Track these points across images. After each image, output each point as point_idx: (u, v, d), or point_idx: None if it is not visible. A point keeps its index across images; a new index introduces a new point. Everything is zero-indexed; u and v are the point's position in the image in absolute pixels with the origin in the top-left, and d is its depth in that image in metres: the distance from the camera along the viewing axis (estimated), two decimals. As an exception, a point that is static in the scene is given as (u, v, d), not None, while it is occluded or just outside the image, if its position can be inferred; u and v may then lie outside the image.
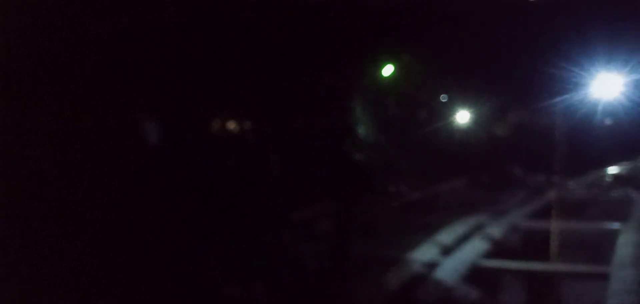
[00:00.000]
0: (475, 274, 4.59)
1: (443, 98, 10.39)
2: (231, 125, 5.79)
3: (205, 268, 4.40)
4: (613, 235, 5.30)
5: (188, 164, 5.05)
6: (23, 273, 3.53)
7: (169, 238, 4.43)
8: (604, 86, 5.25)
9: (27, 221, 3.71)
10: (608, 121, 6.11)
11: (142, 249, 4.18)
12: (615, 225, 5.65)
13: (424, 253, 5.16)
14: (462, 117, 9.61)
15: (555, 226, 5.23)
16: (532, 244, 5.49)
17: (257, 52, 4.87)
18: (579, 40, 5.10)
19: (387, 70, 5.60)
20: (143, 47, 4.51)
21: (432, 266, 4.71)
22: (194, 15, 4.65)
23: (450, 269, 4.55)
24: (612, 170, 8.18)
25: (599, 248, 5.01)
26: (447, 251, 5.16)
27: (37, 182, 3.88)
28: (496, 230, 5.98)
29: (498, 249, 5.33)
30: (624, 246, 4.83)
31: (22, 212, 3.70)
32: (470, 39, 5.73)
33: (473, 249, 5.25)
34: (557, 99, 5.41)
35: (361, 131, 5.20)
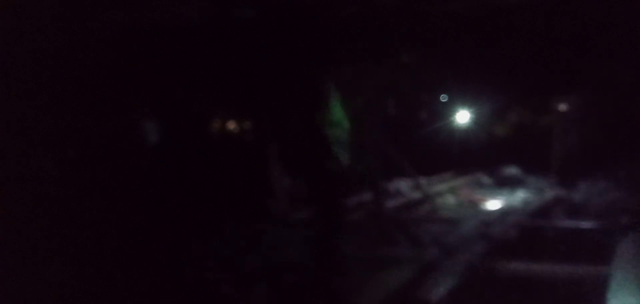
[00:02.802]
0: (475, 274, 4.58)
1: (443, 97, 10.44)
2: (231, 125, 5.81)
3: (204, 267, 4.40)
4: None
5: (187, 164, 5.06)
6: (22, 273, 3.53)
7: (168, 238, 4.44)
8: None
9: (25, 221, 3.72)
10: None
11: (141, 249, 4.18)
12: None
13: (423, 252, 5.16)
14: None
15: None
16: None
17: (257, 52, 4.87)
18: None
19: (387, 68, 5.62)
20: (143, 47, 4.52)
21: (431, 265, 4.71)
22: (193, 15, 4.65)
23: (449, 269, 4.55)
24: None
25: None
26: (446, 250, 5.17)
27: (36, 183, 3.88)
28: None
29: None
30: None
31: (21, 213, 3.70)
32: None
33: (473, 248, 5.26)
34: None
35: (360, 129, 5.20)
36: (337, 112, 4.05)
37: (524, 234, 5.96)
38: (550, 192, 8.36)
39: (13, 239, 3.60)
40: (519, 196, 8.40)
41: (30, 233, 3.72)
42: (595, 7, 5.20)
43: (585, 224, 6.13)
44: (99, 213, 4.11)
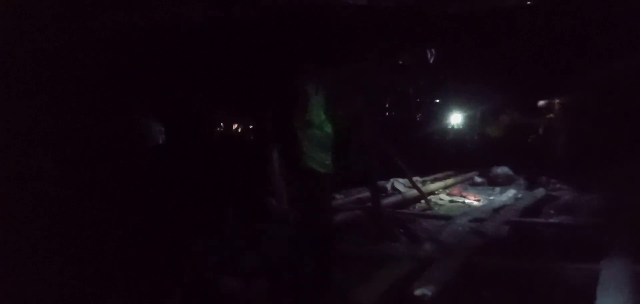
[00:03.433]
0: (469, 271, 4.66)
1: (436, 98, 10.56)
2: (231, 125, 5.82)
3: (204, 267, 4.42)
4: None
5: (187, 164, 5.06)
6: (22, 273, 3.52)
7: (168, 238, 4.45)
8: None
9: (25, 221, 3.71)
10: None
11: (141, 248, 4.19)
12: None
13: (420, 250, 5.22)
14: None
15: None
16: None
17: (257, 52, 4.90)
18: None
19: (387, 68, 5.67)
20: (143, 47, 4.52)
21: (427, 261, 4.76)
22: (193, 15, 4.66)
23: (445, 267, 4.61)
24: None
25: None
26: (441, 246, 5.23)
27: (36, 183, 3.87)
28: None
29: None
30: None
31: (21, 213, 3.69)
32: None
33: (466, 244, 5.34)
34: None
35: (359, 129, 5.25)
36: (321, 113, 4.08)
37: (514, 231, 6.07)
38: (540, 191, 8.52)
39: (13, 239, 3.58)
40: (510, 194, 8.53)
41: (30, 233, 3.70)
42: (589, 12, 5.30)
43: (575, 222, 6.25)
44: (99, 213, 4.11)
